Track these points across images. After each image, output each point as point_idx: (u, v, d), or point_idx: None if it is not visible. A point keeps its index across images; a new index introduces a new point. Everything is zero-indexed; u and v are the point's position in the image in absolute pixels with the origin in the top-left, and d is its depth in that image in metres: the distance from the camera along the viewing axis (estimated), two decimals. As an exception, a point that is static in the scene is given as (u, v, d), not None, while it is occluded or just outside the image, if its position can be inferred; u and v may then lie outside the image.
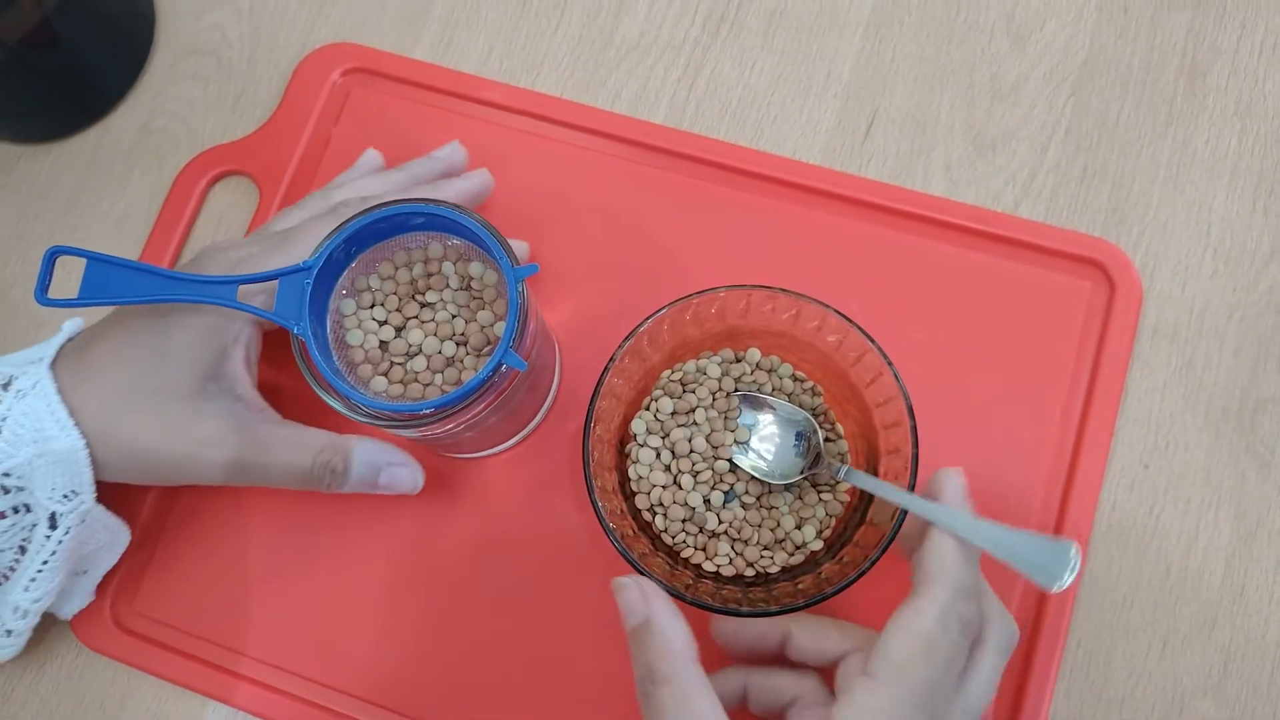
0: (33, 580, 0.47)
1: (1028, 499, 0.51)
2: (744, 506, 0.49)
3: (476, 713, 0.51)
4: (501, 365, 0.42)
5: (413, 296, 0.47)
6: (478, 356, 0.46)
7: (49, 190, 0.62)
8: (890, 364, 0.45)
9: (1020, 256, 0.54)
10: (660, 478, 0.49)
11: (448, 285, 0.47)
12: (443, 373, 0.46)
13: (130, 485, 0.48)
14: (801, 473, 0.48)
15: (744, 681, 0.46)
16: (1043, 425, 0.52)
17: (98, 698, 0.54)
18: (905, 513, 0.43)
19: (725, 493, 0.49)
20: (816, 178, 0.56)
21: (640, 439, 0.49)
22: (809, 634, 0.44)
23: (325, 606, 0.53)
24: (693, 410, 0.49)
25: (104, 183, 0.62)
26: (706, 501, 0.48)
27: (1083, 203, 0.56)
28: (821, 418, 0.50)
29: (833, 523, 0.49)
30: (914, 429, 0.44)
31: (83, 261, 0.45)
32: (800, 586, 0.46)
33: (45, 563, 0.47)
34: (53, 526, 0.46)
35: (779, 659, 0.46)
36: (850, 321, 0.45)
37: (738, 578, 0.48)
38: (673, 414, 0.49)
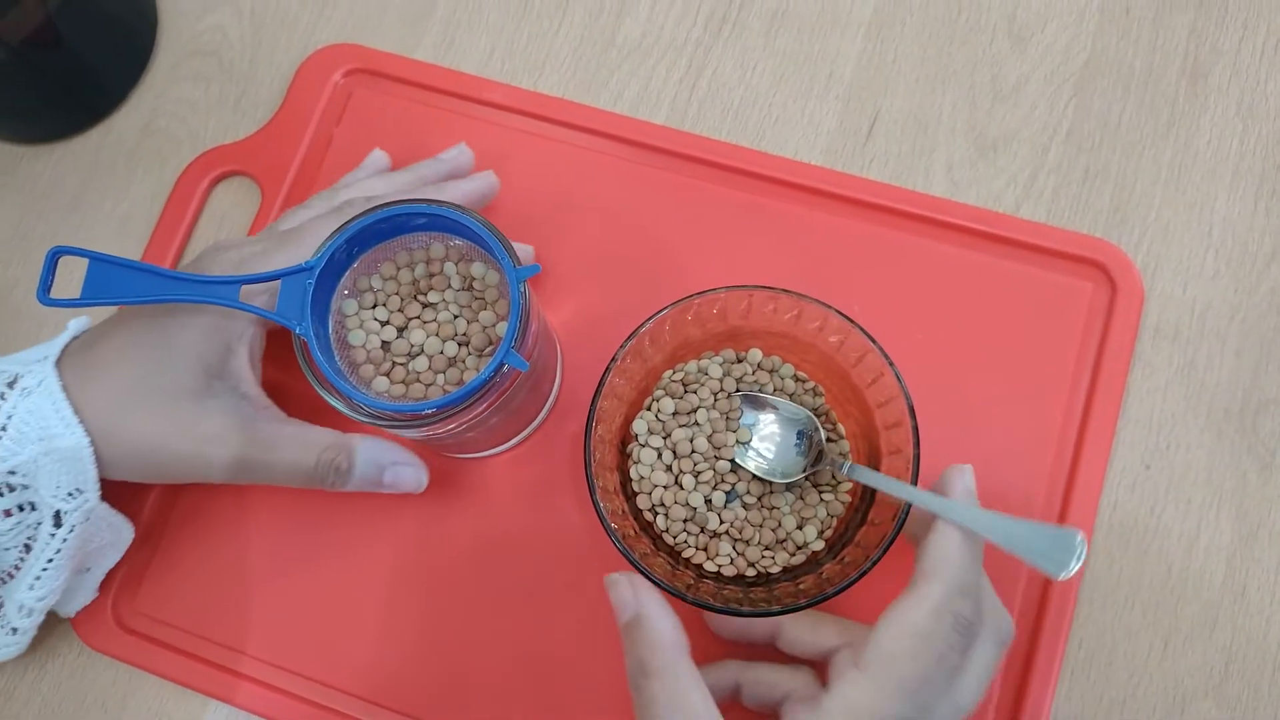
0: (38, 579, 0.47)
1: (1029, 499, 0.51)
2: (745, 507, 0.49)
3: (477, 712, 0.51)
4: (503, 366, 0.43)
5: (415, 297, 0.47)
6: (480, 357, 0.46)
7: (51, 190, 0.62)
8: (892, 364, 0.45)
9: (1021, 257, 0.54)
10: (661, 478, 0.49)
11: (450, 285, 0.47)
12: (444, 373, 0.46)
13: (132, 484, 0.48)
14: (804, 470, 0.48)
15: (736, 676, 0.46)
16: (1044, 425, 0.52)
17: (99, 697, 0.54)
18: (906, 513, 0.43)
19: (727, 493, 0.49)
20: (818, 178, 0.56)
21: (642, 439, 0.49)
22: (800, 627, 0.45)
23: (326, 606, 0.53)
24: (694, 410, 0.49)
25: (106, 183, 0.62)
26: (708, 502, 0.48)
27: (1084, 204, 0.56)
28: (823, 418, 0.50)
29: (834, 523, 0.49)
30: (915, 429, 0.44)
31: (85, 262, 0.45)
32: (801, 586, 0.46)
33: (50, 561, 0.47)
34: (57, 525, 0.46)
35: (770, 651, 0.46)
36: (852, 322, 0.45)
37: (739, 578, 0.48)
38: (674, 414, 0.49)
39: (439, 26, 0.62)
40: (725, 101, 0.59)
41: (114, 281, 0.45)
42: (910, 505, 0.43)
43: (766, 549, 0.48)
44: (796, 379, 0.50)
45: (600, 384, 0.46)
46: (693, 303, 0.47)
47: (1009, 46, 0.59)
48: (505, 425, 0.50)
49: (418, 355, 0.47)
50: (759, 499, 0.49)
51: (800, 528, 0.48)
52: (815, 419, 0.49)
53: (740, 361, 0.51)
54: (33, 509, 0.46)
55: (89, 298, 0.45)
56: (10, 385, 0.45)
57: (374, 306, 0.47)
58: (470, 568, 0.53)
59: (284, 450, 0.48)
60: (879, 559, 0.43)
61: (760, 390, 0.50)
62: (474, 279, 0.47)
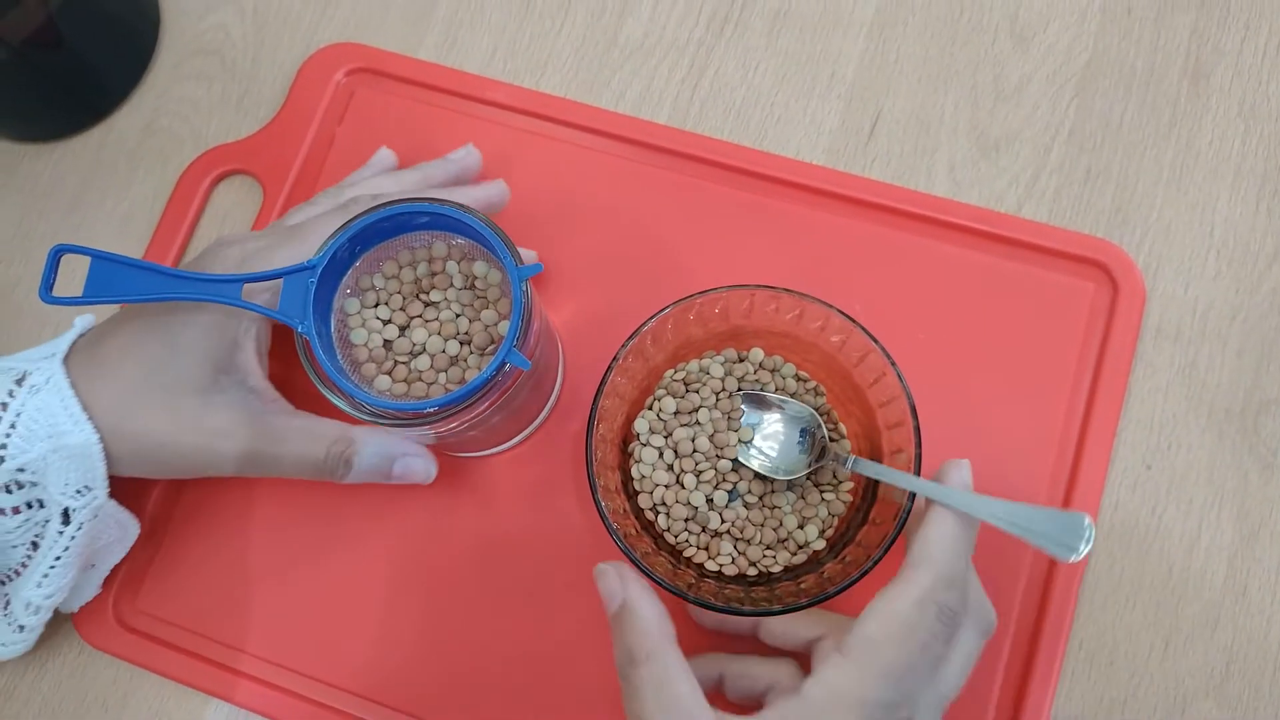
0: (45, 576, 0.47)
1: (1030, 499, 0.51)
2: (746, 506, 0.49)
3: (477, 711, 0.51)
4: (505, 365, 0.43)
5: (417, 295, 0.47)
6: (481, 356, 0.46)
7: (53, 189, 0.62)
8: (893, 364, 0.45)
9: (1023, 257, 0.54)
10: (663, 477, 0.49)
11: (452, 284, 0.47)
12: (446, 371, 0.46)
13: (136, 481, 0.48)
14: (808, 467, 0.48)
15: (720, 668, 0.46)
16: (1045, 425, 0.52)
17: (100, 695, 0.54)
18: (908, 512, 0.43)
19: (729, 492, 0.49)
20: (820, 178, 0.56)
21: (643, 438, 0.49)
22: (780, 617, 0.45)
23: (327, 605, 0.53)
24: (696, 410, 0.49)
25: (108, 182, 0.62)
26: (709, 501, 0.48)
27: (1086, 204, 0.56)
28: (825, 418, 0.50)
29: (835, 522, 0.49)
30: (917, 429, 0.44)
31: (87, 260, 0.45)
32: (803, 586, 0.46)
33: (58, 559, 0.47)
34: (65, 522, 0.46)
35: (752, 641, 0.46)
36: (853, 322, 0.46)
37: (740, 577, 0.48)
38: (676, 413, 0.49)
39: (441, 26, 0.62)
40: (727, 101, 0.59)
41: (116, 280, 0.45)
42: (912, 505, 0.43)
43: (768, 548, 0.48)
44: (798, 378, 0.50)
45: (602, 383, 0.46)
46: (695, 302, 0.47)
47: (1011, 46, 0.59)
48: (507, 424, 0.50)
49: (420, 354, 0.47)
50: (760, 498, 0.49)
51: (801, 527, 0.48)
52: (818, 416, 0.49)
53: (742, 361, 0.51)
54: (41, 506, 0.46)
55: (91, 296, 0.45)
56: (18, 383, 0.45)
57: (376, 305, 0.47)
58: (471, 566, 0.53)
59: (293, 443, 0.48)
60: (880, 558, 0.43)
61: (762, 390, 0.50)
62: (476, 278, 0.47)
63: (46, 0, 0.56)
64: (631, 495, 0.49)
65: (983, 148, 0.57)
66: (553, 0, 0.62)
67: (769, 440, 0.49)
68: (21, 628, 0.49)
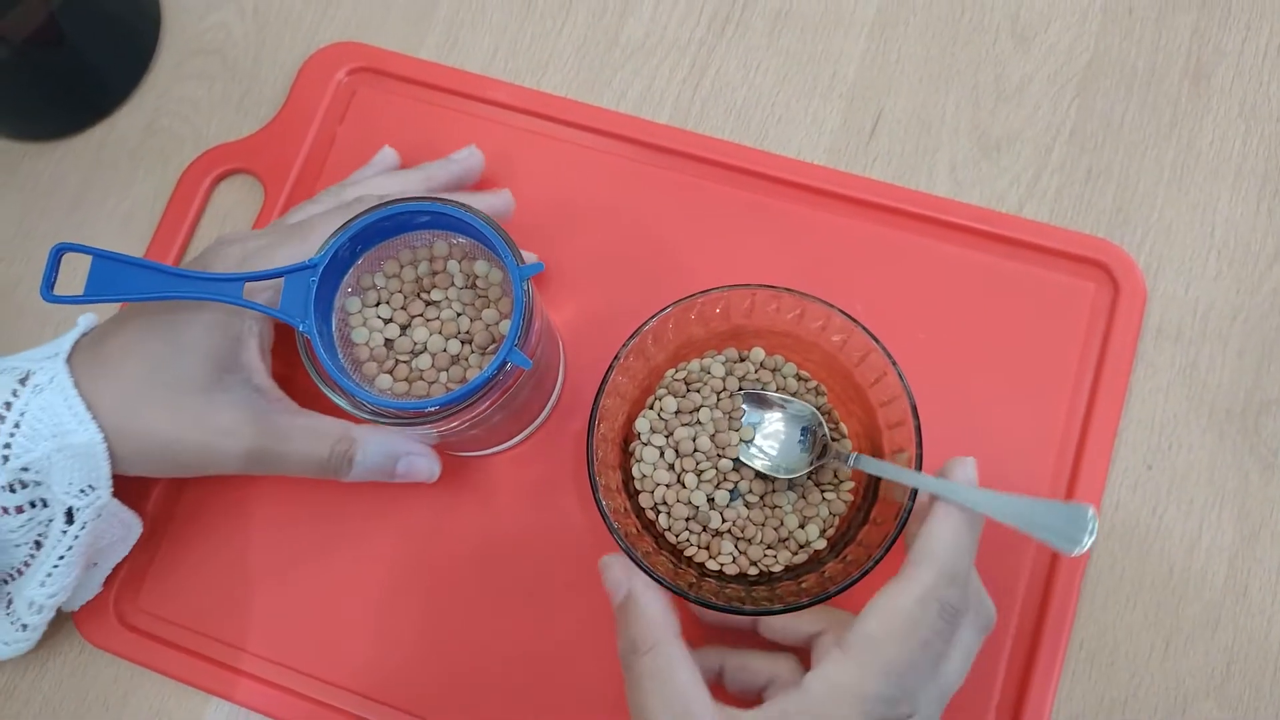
0: (49, 575, 0.47)
1: (1031, 499, 0.51)
2: (747, 505, 0.49)
3: (477, 710, 0.51)
4: (506, 364, 0.43)
5: (418, 294, 0.47)
6: (483, 355, 0.46)
7: (54, 188, 0.62)
8: (894, 363, 0.45)
9: (1024, 257, 0.54)
10: (664, 476, 0.49)
11: (453, 283, 0.48)
12: (448, 370, 0.46)
13: (137, 481, 0.48)
14: (809, 466, 0.48)
15: (720, 661, 0.46)
16: (1046, 425, 0.52)
17: (101, 694, 0.54)
18: (909, 511, 0.43)
19: (730, 491, 0.49)
20: (821, 178, 0.56)
21: (644, 438, 0.49)
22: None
23: (328, 603, 0.53)
24: (697, 409, 0.49)
25: (109, 181, 0.62)
26: (710, 500, 0.48)
27: (1087, 204, 0.56)
28: (826, 417, 0.50)
29: (836, 521, 0.49)
30: (918, 428, 0.44)
31: (88, 259, 0.45)
32: (804, 585, 0.46)
33: (61, 558, 0.47)
34: (69, 521, 0.46)
35: (751, 635, 0.47)
36: (854, 321, 0.46)
37: (741, 576, 0.48)
38: (676, 413, 0.49)
39: (442, 26, 0.62)
40: (728, 101, 0.59)
41: (117, 278, 0.45)
42: (912, 504, 0.43)
43: (769, 548, 0.48)
44: (799, 378, 0.50)
45: (603, 382, 0.46)
46: (695, 301, 0.47)
47: (1012, 46, 0.59)
48: (508, 423, 0.50)
49: (421, 353, 0.47)
50: (761, 498, 0.49)
51: (803, 526, 0.48)
52: (819, 414, 0.49)
53: (743, 360, 0.51)
54: (44, 505, 0.46)
55: (92, 294, 0.45)
56: (22, 382, 0.45)
57: (377, 304, 0.47)
58: (472, 566, 0.53)
59: (297, 441, 0.48)
60: (881, 557, 0.43)
61: (763, 389, 0.50)
62: (477, 277, 0.47)
63: (48, -1, 0.56)
64: (632, 494, 0.49)
65: (984, 148, 0.57)
66: (554, 0, 0.62)
67: (770, 439, 0.49)
68: (24, 626, 0.49)
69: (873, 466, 0.46)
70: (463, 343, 0.47)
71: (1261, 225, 0.55)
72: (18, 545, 0.46)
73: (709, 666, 0.46)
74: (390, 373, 0.47)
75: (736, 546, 0.48)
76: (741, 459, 0.49)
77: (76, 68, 0.61)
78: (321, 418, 0.49)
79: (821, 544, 0.48)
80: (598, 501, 0.44)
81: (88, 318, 0.50)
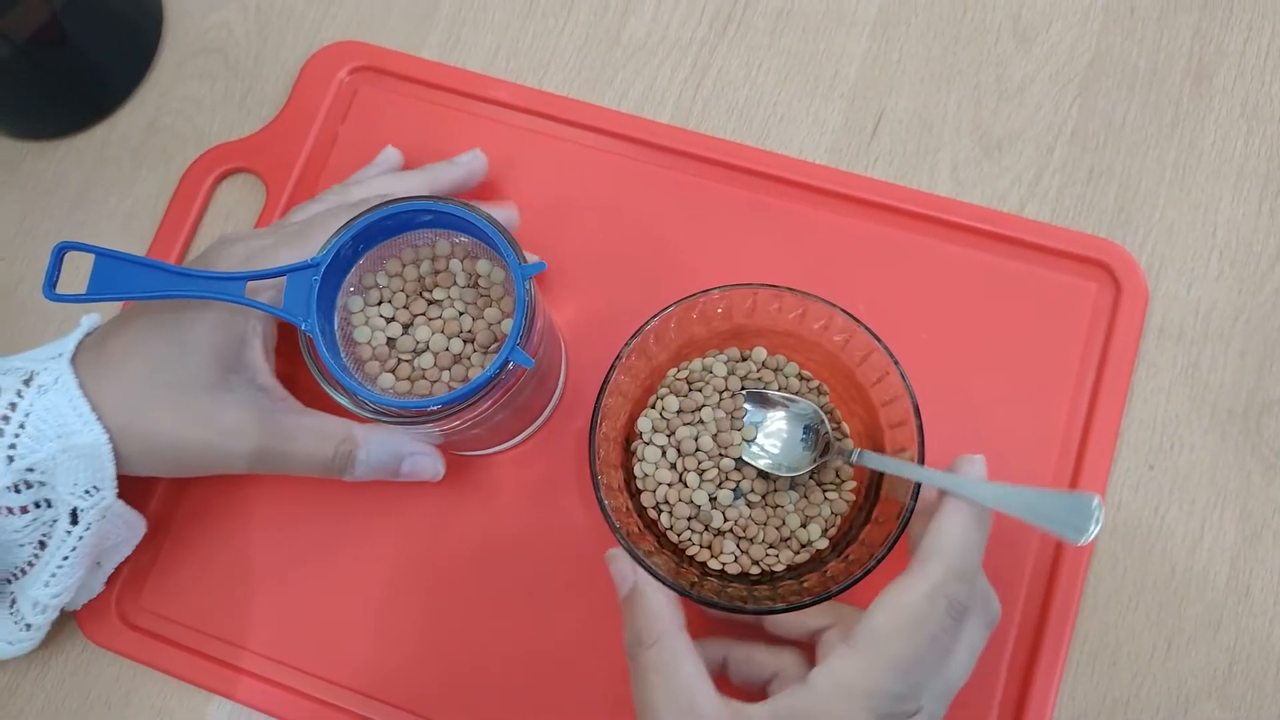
0: (53, 576, 0.47)
1: (1033, 499, 0.51)
2: (749, 505, 0.49)
3: (479, 709, 0.51)
4: (508, 363, 0.43)
5: (420, 293, 0.48)
6: (485, 354, 0.46)
7: (56, 187, 0.62)
8: (896, 363, 0.45)
9: (1026, 257, 0.54)
10: (665, 475, 0.49)
11: (455, 282, 0.48)
12: (450, 370, 0.46)
13: (140, 480, 0.48)
14: (812, 463, 0.48)
15: (725, 652, 0.46)
16: (1048, 425, 0.52)
17: (103, 693, 0.54)
18: (911, 511, 0.43)
19: (732, 490, 0.49)
20: (823, 178, 0.56)
21: (646, 437, 0.49)
22: None
23: (330, 602, 0.53)
24: (699, 409, 0.49)
25: (111, 180, 0.62)
26: (712, 500, 0.48)
27: (1089, 204, 0.56)
28: (828, 416, 0.50)
29: (838, 521, 0.49)
30: (920, 428, 0.44)
31: (91, 257, 0.45)
32: (806, 584, 0.46)
33: (66, 558, 0.47)
34: (74, 522, 0.46)
35: (757, 630, 0.47)
36: (856, 321, 0.46)
37: (743, 576, 0.48)
38: (679, 412, 0.49)
39: (444, 25, 0.62)
40: (730, 100, 0.59)
41: (120, 277, 0.45)
42: (915, 502, 0.43)
43: (770, 547, 0.48)
44: (801, 377, 0.50)
45: (605, 381, 0.45)
46: (697, 301, 0.47)
47: (1014, 46, 0.59)
48: (510, 423, 0.50)
49: (423, 352, 0.47)
50: (763, 497, 0.49)
51: (804, 526, 0.48)
52: (821, 412, 0.49)
53: (745, 360, 0.51)
54: (49, 506, 0.46)
55: (95, 293, 0.45)
56: (26, 383, 0.45)
57: (380, 303, 0.47)
58: (473, 565, 0.53)
59: (302, 441, 0.48)
60: (884, 556, 0.43)
61: (765, 389, 0.50)
62: (479, 276, 0.47)
63: (50, -2, 0.56)
64: (634, 494, 0.49)
65: (985, 147, 0.57)
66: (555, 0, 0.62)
67: (772, 438, 0.49)
68: (29, 626, 0.49)
69: (876, 462, 0.46)
70: (465, 342, 0.47)
71: (1263, 225, 0.55)
72: (21, 545, 0.46)
73: (713, 657, 0.46)
74: (392, 372, 0.47)
75: (738, 546, 0.48)
76: (743, 458, 0.49)
77: (79, 66, 0.61)
78: (326, 417, 0.49)
79: (823, 543, 0.48)
80: (600, 500, 0.44)
81: (91, 318, 0.50)
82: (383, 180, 0.54)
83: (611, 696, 0.50)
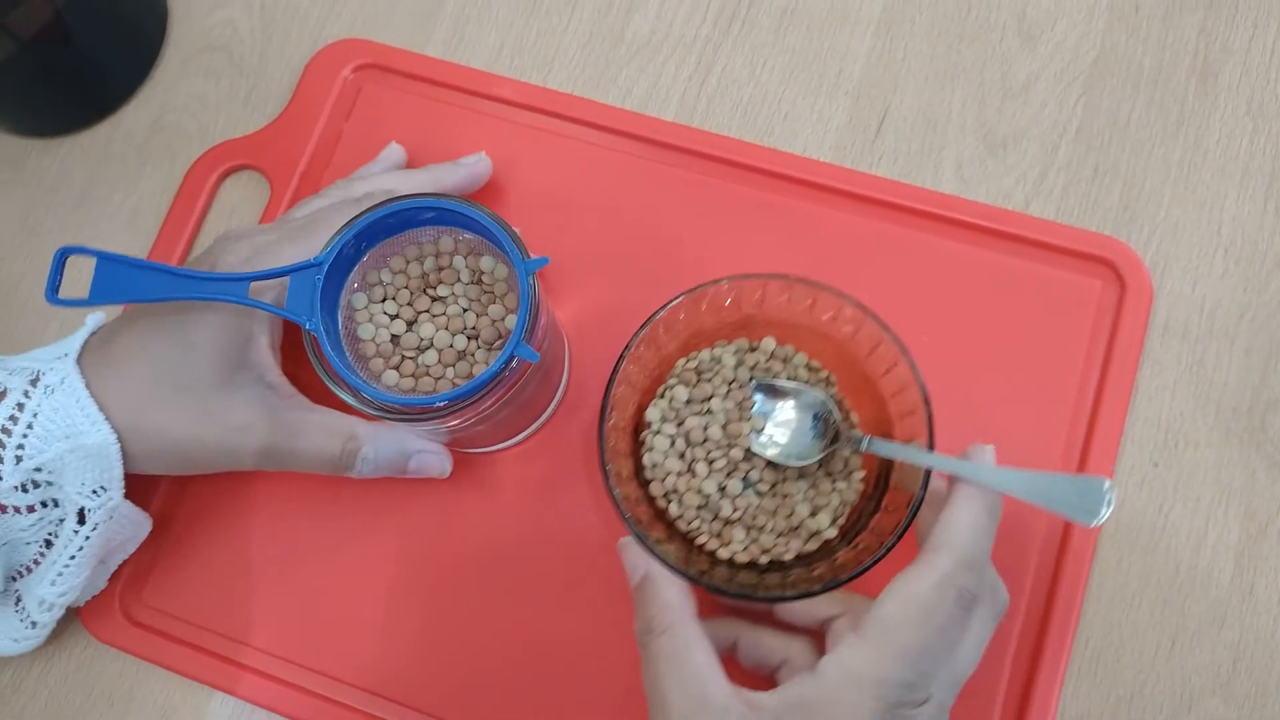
0: (60, 574, 0.47)
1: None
2: (758, 494, 0.49)
3: (482, 706, 0.51)
4: (514, 357, 0.43)
5: (424, 290, 0.48)
6: (489, 350, 0.46)
7: (60, 185, 0.62)
8: (905, 352, 0.45)
9: (1031, 255, 0.54)
10: (675, 465, 0.49)
11: (459, 279, 0.48)
12: (454, 366, 0.46)
13: (143, 477, 0.48)
14: (821, 452, 0.48)
15: (737, 633, 0.46)
16: (1052, 423, 0.52)
17: (106, 689, 0.54)
18: (921, 499, 0.43)
19: (742, 480, 0.48)
20: (827, 175, 0.56)
21: (655, 426, 0.49)
22: None
23: (333, 600, 0.53)
24: (708, 399, 0.49)
25: (115, 177, 0.62)
26: (721, 489, 0.48)
27: (1094, 202, 0.56)
28: (836, 406, 0.50)
29: (847, 510, 0.49)
30: (929, 417, 0.44)
31: (93, 260, 0.45)
32: (816, 572, 0.46)
33: (73, 558, 0.47)
34: (81, 521, 0.46)
35: (768, 616, 0.47)
36: (866, 311, 0.45)
37: (752, 564, 0.48)
38: (688, 402, 0.49)
39: (448, 22, 0.62)
40: (734, 98, 0.59)
41: (123, 280, 0.45)
42: (925, 490, 0.43)
43: (780, 536, 0.48)
44: (809, 368, 0.50)
45: (615, 371, 0.45)
46: (706, 291, 0.47)
47: (1019, 44, 0.59)
48: (514, 419, 0.50)
49: (427, 349, 0.47)
50: (772, 486, 0.49)
51: (814, 515, 0.48)
52: (830, 401, 0.49)
53: (754, 350, 0.50)
54: (55, 505, 0.46)
55: (97, 297, 0.45)
56: (33, 383, 0.45)
57: (383, 300, 0.47)
58: (476, 563, 0.53)
59: (309, 438, 0.48)
60: (894, 544, 0.43)
61: (774, 379, 0.50)
62: (483, 273, 0.47)
63: (54, -5, 0.56)
64: (643, 483, 0.49)
65: (990, 145, 0.57)
66: (560, -3, 0.62)
67: (781, 428, 0.49)
68: (34, 624, 0.49)
69: (886, 449, 0.46)
70: (469, 338, 0.47)
71: (1269, 223, 0.55)
72: (28, 543, 0.46)
73: (724, 636, 0.46)
74: (396, 369, 0.47)
75: (748, 535, 0.48)
76: (752, 448, 0.49)
77: (83, 64, 0.61)
78: (334, 414, 0.49)
79: (833, 532, 0.48)
80: (610, 489, 0.44)
81: (95, 316, 0.49)
82: (388, 177, 0.54)
83: (618, 691, 0.50)
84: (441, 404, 0.43)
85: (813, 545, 0.48)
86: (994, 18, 0.59)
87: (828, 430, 0.49)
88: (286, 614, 0.53)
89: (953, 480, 0.42)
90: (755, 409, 0.49)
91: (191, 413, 0.46)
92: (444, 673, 0.52)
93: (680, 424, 0.49)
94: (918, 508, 0.43)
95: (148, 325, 0.47)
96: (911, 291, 0.54)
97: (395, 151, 0.57)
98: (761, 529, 0.48)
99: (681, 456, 0.49)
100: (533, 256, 0.44)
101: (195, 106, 0.62)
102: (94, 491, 0.46)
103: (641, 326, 0.46)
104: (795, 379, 0.50)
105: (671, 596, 0.42)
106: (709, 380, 0.50)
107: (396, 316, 0.47)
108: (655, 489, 0.49)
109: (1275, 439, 0.52)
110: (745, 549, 0.48)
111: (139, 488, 0.50)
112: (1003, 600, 0.43)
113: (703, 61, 0.60)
